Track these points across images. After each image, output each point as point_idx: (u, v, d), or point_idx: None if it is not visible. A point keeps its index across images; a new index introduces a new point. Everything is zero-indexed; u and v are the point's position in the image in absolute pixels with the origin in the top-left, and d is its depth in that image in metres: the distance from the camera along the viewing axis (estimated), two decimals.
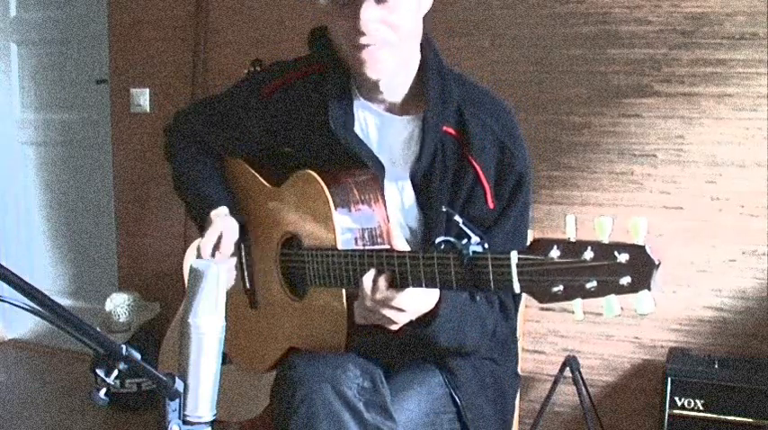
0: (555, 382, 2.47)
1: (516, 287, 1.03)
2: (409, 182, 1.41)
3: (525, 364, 2.66)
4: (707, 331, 2.47)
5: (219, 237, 1.47)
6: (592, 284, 0.95)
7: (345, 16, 1.31)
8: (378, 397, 1.28)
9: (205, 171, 1.58)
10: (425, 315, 1.25)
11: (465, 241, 1.10)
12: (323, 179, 1.35)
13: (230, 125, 1.56)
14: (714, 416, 2.23)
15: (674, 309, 2.48)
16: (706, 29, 2.40)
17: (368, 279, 1.21)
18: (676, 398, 2.25)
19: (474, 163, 1.37)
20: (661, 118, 2.47)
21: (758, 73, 2.35)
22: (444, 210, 1.31)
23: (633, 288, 0.92)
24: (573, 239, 0.98)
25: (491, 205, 1.37)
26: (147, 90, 3.30)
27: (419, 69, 1.42)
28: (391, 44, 1.32)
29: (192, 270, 1.01)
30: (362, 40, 1.31)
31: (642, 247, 0.92)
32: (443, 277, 1.14)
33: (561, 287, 0.98)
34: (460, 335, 1.32)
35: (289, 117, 1.48)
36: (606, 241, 0.95)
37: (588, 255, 0.95)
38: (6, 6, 3.65)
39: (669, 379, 2.26)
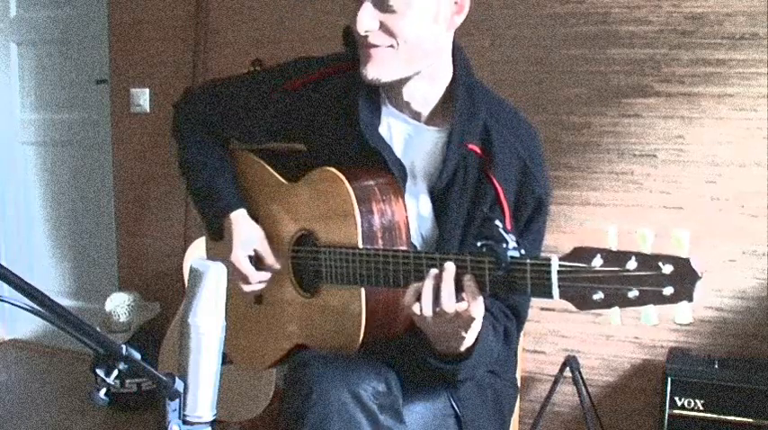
0: (555, 382, 2.47)
1: (555, 294, 1.03)
2: (427, 195, 1.40)
3: (525, 364, 2.66)
4: (707, 331, 2.47)
5: (255, 251, 1.47)
6: (634, 293, 0.97)
7: (354, 12, 1.31)
8: (391, 400, 1.28)
9: (218, 161, 1.56)
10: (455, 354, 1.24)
11: (504, 245, 1.09)
12: (344, 176, 1.34)
13: (245, 111, 1.54)
14: (714, 416, 2.23)
15: (674, 309, 2.48)
16: (706, 29, 2.40)
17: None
18: (676, 398, 2.26)
19: (495, 182, 1.36)
20: (661, 118, 2.47)
21: (758, 73, 2.36)
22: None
23: (675, 299, 0.95)
24: (614, 249, 0.99)
25: (509, 226, 1.36)
26: (147, 90, 3.30)
27: (450, 83, 1.41)
28: (394, 49, 1.31)
29: (192, 270, 1.01)
30: (362, 39, 1.31)
31: (687, 260, 0.94)
32: (476, 280, 1.13)
33: (602, 295, 0.99)
34: (476, 369, 1.32)
35: (311, 114, 1.47)
36: (648, 251, 0.97)
37: (632, 264, 0.97)
38: (6, 6, 3.65)
39: (669, 379, 2.26)
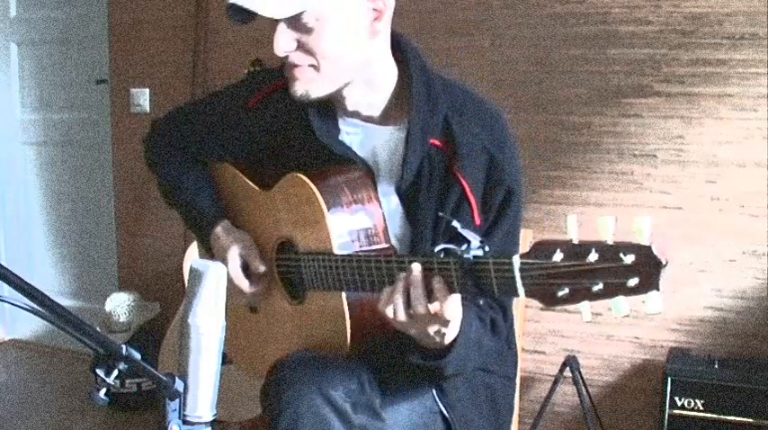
0: (555, 382, 2.47)
1: (521, 292, 1.00)
2: (395, 194, 1.39)
3: (525, 364, 2.66)
4: (707, 331, 2.47)
5: (242, 257, 1.46)
6: (598, 287, 0.92)
7: (272, 35, 1.31)
8: (365, 397, 1.28)
9: (195, 181, 1.57)
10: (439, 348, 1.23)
11: (465, 246, 1.07)
12: (313, 181, 1.33)
13: (218, 133, 1.54)
14: (714, 416, 2.23)
15: (674, 309, 2.48)
16: (706, 29, 2.40)
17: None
18: (676, 398, 2.26)
19: (460, 177, 1.33)
20: (661, 118, 2.47)
21: (758, 73, 2.36)
22: (440, 215, 1.30)
23: (641, 289, 0.90)
24: (575, 241, 0.95)
25: (477, 221, 1.34)
26: (147, 90, 3.30)
27: (400, 80, 1.39)
28: (315, 67, 1.31)
29: (192, 270, 1.01)
30: (284, 60, 1.32)
31: (648, 247, 0.90)
32: (445, 282, 1.12)
33: (567, 290, 0.95)
34: (465, 363, 1.31)
35: (273, 127, 1.47)
36: (610, 242, 0.92)
37: (593, 257, 0.92)
38: (6, 6, 3.65)
39: (669, 379, 2.26)
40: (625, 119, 2.52)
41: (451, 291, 1.11)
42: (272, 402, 1.26)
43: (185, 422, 0.99)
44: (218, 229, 1.50)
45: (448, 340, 1.21)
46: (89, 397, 1.00)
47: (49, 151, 3.68)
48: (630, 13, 2.48)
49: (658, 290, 0.90)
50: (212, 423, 1.01)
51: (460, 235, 1.09)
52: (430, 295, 1.12)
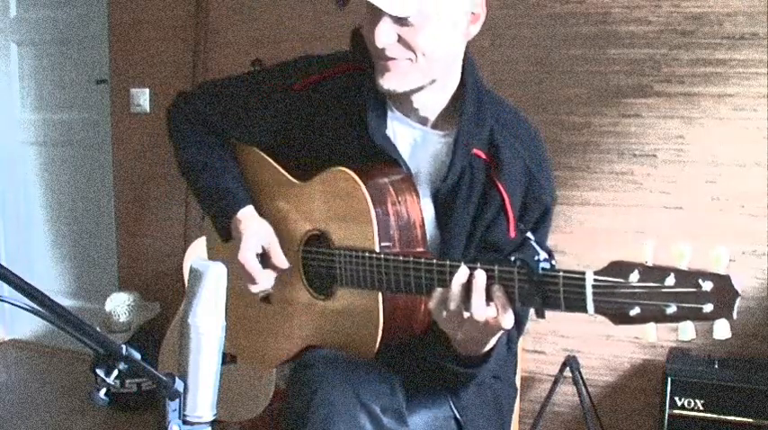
0: (555, 382, 2.47)
1: (590, 308, 1.02)
2: (429, 199, 1.39)
3: (525, 364, 2.66)
4: (707, 331, 2.46)
5: (264, 248, 1.45)
6: (672, 310, 0.97)
7: (370, 24, 1.29)
8: (394, 402, 1.28)
9: (220, 161, 1.52)
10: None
11: (536, 258, 1.08)
12: (359, 177, 1.32)
13: (249, 112, 1.51)
14: (714, 416, 2.23)
15: None
16: (706, 29, 2.40)
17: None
18: (676, 398, 2.26)
19: (501, 189, 1.35)
20: (661, 118, 2.47)
21: (758, 73, 2.36)
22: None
23: (714, 316, 0.95)
24: (650, 264, 0.98)
25: (512, 234, 1.35)
26: (147, 90, 3.30)
27: (457, 88, 1.40)
28: (413, 62, 1.30)
29: (192, 270, 1.01)
30: (379, 52, 1.30)
31: (727, 277, 0.95)
32: (506, 291, 1.12)
33: (639, 310, 0.98)
34: (489, 372, 1.32)
35: (320, 114, 1.45)
36: (685, 268, 0.97)
37: (670, 280, 0.96)
38: (6, 6, 3.65)
39: (669, 379, 2.26)
40: (625, 119, 2.52)
41: (511, 300, 1.11)
42: (302, 399, 1.25)
43: (185, 422, 0.99)
44: (242, 213, 1.47)
45: (486, 348, 1.22)
46: (89, 397, 1.00)
47: (49, 151, 3.68)
48: (630, 13, 2.48)
49: (732, 318, 0.95)
50: (212, 423, 1.01)
51: (531, 247, 1.09)
52: (488, 303, 1.12)
